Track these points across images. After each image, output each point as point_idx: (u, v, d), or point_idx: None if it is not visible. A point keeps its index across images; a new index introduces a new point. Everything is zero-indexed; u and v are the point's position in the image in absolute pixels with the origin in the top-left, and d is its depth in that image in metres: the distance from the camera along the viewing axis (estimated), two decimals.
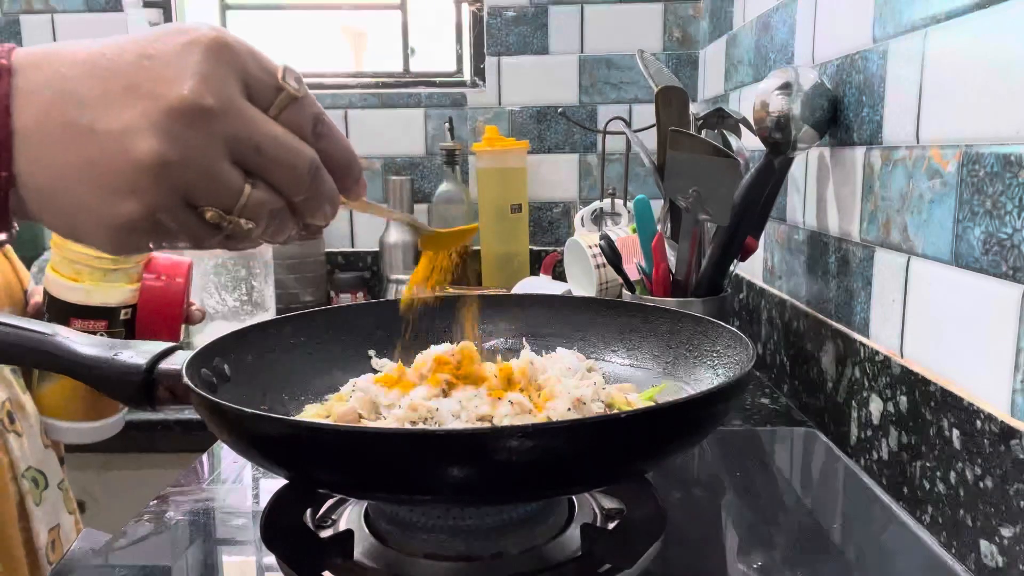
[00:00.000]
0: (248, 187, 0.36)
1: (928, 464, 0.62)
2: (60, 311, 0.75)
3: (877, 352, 0.71)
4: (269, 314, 1.37)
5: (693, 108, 1.03)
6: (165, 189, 0.34)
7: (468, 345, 0.61)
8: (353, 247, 1.69)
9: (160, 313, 0.79)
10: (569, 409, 0.52)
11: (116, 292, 0.76)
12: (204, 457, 0.77)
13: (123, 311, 0.77)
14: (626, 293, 1.00)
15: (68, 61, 0.35)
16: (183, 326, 0.83)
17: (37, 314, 0.79)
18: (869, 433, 0.73)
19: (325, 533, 0.54)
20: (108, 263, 0.75)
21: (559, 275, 1.43)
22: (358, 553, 0.51)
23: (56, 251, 0.75)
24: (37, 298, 0.80)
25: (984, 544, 0.54)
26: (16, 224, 0.37)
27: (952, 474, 0.58)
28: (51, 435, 0.77)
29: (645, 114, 1.61)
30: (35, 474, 0.73)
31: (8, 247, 0.82)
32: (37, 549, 0.70)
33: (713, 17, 1.49)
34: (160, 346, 0.55)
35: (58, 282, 0.75)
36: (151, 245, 0.37)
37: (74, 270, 0.75)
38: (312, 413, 0.58)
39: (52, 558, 0.72)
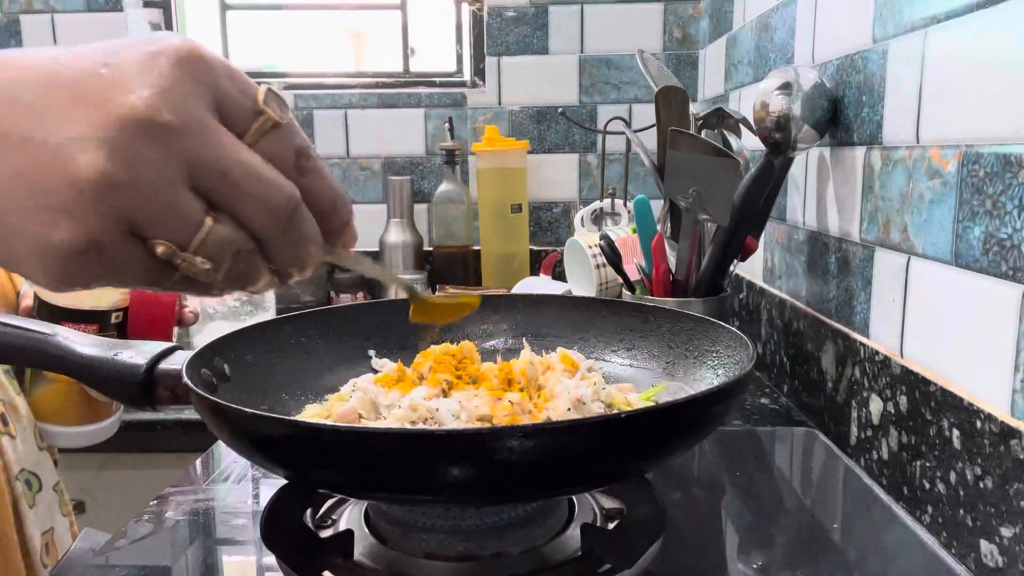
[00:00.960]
0: (209, 220, 0.31)
1: (928, 464, 0.62)
2: (50, 315, 0.74)
3: (877, 352, 0.71)
4: (269, 314, 1.37)
5: (693, 108, 1.03)
6: (107, 213, 0.29)
7: (468, 345, 0.61)
8: (353, 247, 1.69)
9: (152, 316, 0.79)
10: (569, 409, 0.52)
11: (107, 295, 0.76)
12: (204, 457, 0.77)
13: (114, 314, 0.77)
14: (626, 293, 1.00)
15: (22, 65, 0.31)
16: (176, 328, 0.82)
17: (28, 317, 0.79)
18: (869, 433, 0.73)
19: (325, 533, 0.54)
20: None
21: (559, 275, 1.43)
22: (358, 553, 0.51)
23: None
24: (28, 301, 0.79)
25: (984, 544, 0.54)
26: None
27: (952, 474, 0.58)
28: (45, 440, 0.77)
29: (645, 114, 1.61)
30: (28, 476, 0.72)
31: None
32: (31, 552, 0.70)
33: (713, 17, 1.49)
34: (160, 346, 0.55)
35: None
36: (93, 281, 0.31)
37: None
38: (312, 413, 0.58)
39: (47, 561, 0.72)
